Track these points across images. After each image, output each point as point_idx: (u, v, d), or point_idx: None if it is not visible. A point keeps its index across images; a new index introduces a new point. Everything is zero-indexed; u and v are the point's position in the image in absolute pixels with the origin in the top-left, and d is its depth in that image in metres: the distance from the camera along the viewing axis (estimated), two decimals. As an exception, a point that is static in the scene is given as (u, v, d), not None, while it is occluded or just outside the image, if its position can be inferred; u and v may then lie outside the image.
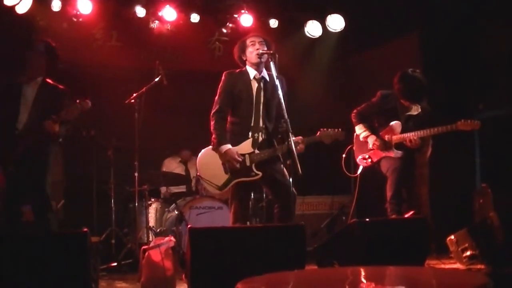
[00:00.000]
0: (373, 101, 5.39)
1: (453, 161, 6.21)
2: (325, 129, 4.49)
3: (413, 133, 5.09)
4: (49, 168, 4.70)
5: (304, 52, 7.59)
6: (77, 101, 4.54)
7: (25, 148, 4.48)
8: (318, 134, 4.49)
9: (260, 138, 4.39)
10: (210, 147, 4.42)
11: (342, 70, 7.81)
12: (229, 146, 4.30)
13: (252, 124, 4.38)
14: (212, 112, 4.39)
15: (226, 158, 4.28)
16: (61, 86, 4.78)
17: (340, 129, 4.52)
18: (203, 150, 4.46)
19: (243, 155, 4.33)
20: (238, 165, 4.28)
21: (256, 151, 4.35)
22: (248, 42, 4.46)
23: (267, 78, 4.45)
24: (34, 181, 4.58)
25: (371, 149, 5.36)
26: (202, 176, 4.40)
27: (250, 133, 4.37)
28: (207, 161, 4.40)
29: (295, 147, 4.15)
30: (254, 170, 4.33)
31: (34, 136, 4.51)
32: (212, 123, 4.37)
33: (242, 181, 4.34)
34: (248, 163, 4.34)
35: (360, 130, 5.41)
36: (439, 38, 6.50)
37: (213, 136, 4.36)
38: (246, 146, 4.35)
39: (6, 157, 4.45)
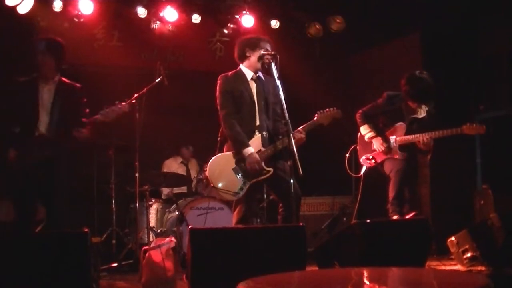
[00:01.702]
0: (378, 102, 5.39)
1: (454, 162, 6.21)
2: (321, 110, 4.51)
3: (418, 135, 5.08)
4: (73, 173, 4.59)
5: (305, 52, 7.59)
6: (116, 102, 4.43)
7: (52, 152, 4.32)
8: (316, 117, 4.50)
9: (265, 136, 4.40)
10: (218, 155, 4.41)
11: (343, 70, 7.81)
12: (252, 149, 4.27)
13: (257, 124, 4.38)
14: (222, 116, 4.35)
15: (249, 161, 4.24)
16: (78, 85, 4.62)
17: (335, 108, 4.53)
18: (211, 160, 4.41)
19: None
20: (258, 168, 4.26)
21: (262, 149, 4.35)
22: (262, 44, 4.40)
23: (262, 78, 4.47)
24: (55, 186, 4.39)
25: (375, 150, 5.36)
26: (216, 186, 4.32)
27: (257, 132, 4.36)
28: (218, 169, 4.35)
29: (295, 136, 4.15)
30: (265, 167, 4.33)
31: (61, 140, 4.38)
32: (226, 126, 4.33)
33: (256, 181, 4.33)
34: None
35: (365, 131, 5.40)
36: (439, 39, 6.50)
37: (232, 140, 4.33)
38: (254, 145, 4.33)
39: (26, 158, 4.25)
